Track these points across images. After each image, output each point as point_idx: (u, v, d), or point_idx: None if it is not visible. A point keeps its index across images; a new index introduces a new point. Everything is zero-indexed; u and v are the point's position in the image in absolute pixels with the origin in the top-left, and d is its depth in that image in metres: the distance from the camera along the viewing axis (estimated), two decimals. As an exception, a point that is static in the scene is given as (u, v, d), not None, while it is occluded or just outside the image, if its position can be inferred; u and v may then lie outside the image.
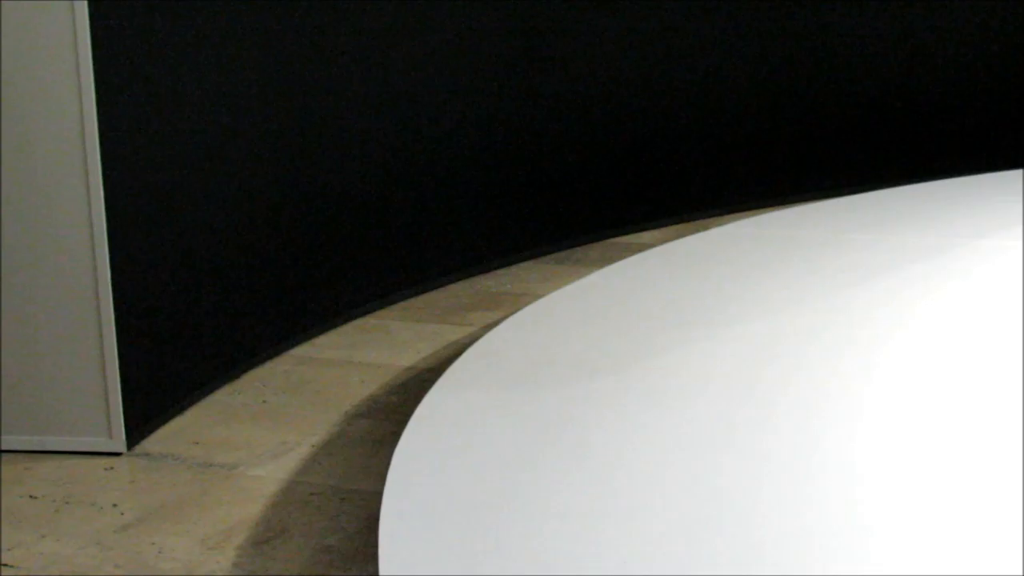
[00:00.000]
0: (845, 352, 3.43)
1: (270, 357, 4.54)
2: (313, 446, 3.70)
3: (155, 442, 3.77)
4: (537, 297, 4.46)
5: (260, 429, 3.86)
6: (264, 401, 4.12)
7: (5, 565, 3.00)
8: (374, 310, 5.15)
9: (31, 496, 3.39)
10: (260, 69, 4.51)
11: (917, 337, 3.55)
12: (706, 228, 5.60)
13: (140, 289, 3.79)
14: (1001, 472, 2.56)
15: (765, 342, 3.52)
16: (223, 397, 4.17)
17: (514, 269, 5.79)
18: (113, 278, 3.62)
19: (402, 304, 5.26)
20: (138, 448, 3.71)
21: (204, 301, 4.18)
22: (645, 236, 6.34)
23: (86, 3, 3.51)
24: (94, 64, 3.54)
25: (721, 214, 6.66)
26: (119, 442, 3.68)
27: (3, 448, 3.70)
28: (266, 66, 4.54)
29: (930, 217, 5.19)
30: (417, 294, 5.38)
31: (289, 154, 4.69)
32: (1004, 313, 3.68)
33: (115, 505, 3.32)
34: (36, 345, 3.67)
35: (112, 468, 3.58)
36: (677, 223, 6.56)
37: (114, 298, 3.63)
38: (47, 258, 3.62)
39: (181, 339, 4.04)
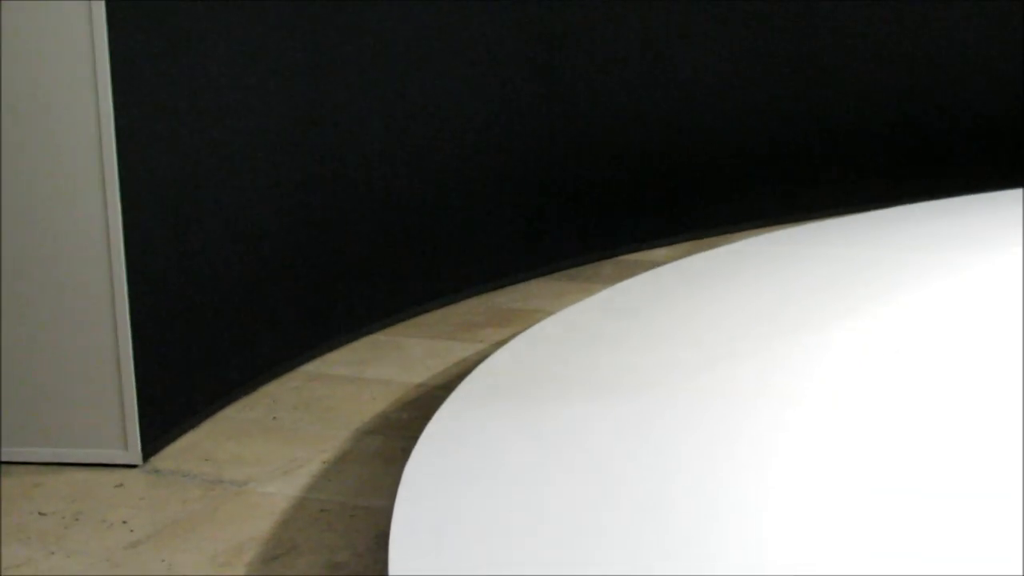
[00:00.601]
0: (858, 367, 3.42)
1: (281, 373, 4.54)
2: (324, 463, 3.69)
3: (165, 458, 3.76)
4: (549, 314, 4.45)
5: (271, 445, 3.86)
6: (275, 417, 4.12)
7: (14, 581, 3.00)
8: (385, 326, 5.14)
9: (40, 512, 3.39)
10: (276, 84, 4.51)
11: (930, 351, 3.54)
12: (718, 245, 5.59)
13: (154, 305, 3.79)
14: (1003, 475, 2.57)
15: (777, 358, 3.51)
16: (234, 413, 4.17)
17: (526, 286, 5.79)
18: (130, 293, 3.64)
19: (413, 320, 5.26)
20: (148, 464, 3.71)
21: (215, 317, 4.18)
22: (657, 253, 6.33)
23: (103, 3, 3.54)
24: (112, 73, 3.57)
25: (733, 231, 6.65)
26: (135, 454, 3.69)
27: (20, 460, 3.71)
28: (282, 81, 4.55)
29: (943, 234, 5.17)
30: (429, 310, 5.37)
31: (303, 172, 4.70)
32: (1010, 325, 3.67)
33: (125, 522, 3.32)
34: (52, 359, 3.68)
35: (122, 485, 3.57)
36: (689, 240, 6.55)
37: (130, 314, 3.64)
38: (64, 268, 3.65)
39: (192, 355, 4.03)
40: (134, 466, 3.69)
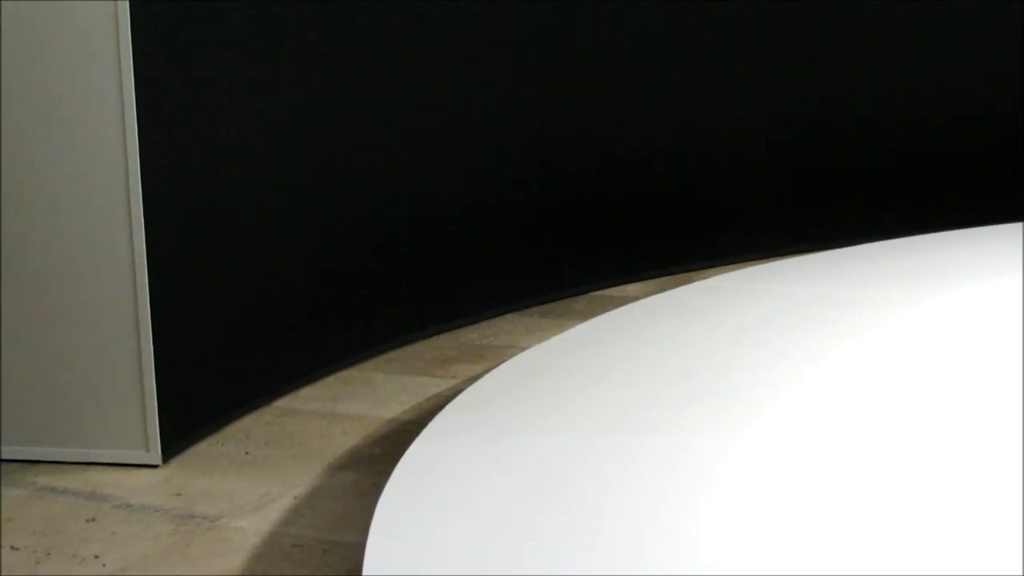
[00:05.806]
0: (829, 405, 3.44)
1: (253, 409, 4.53)
2: (296, 498, 3.69)
3: (137, 493, 3.76)
4: (521, 349, 4.47)
5: (243, 480, 3.85)
6: (247, 452, 4.12)
7: (-15, 617, 2.99)
8: (358, 362, 5.14)
9: (12, 547, 3.38)
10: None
11: (903, 393, 3.57)
12: (690, 281, 5.63)
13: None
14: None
15: (748, 394, 3.52)
16: (205, 448, 4.16)
17: (498, 321, 5.80)
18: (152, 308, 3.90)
19: (386, 356, 5.26)
20: (119, 499, 3.70)
21: (185, 353, 4.18)
22: (629, 289, 6.36)
23: (127, 5, 3.71)
24: (136, 87, 3.74)
25: (705, 268, 6.68)
26: (155, 455, 3.92)
27: (47, 459, 3.94)
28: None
29: (911, 271, 5.20)
30: (401, 346, 5.38)
31: (283, 209, 4.71)
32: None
33: (97, 556, 3.31)
34: (77, 364, 3.92)
35: (94, 519, 3.56)
36: (661, 276, 6.58)
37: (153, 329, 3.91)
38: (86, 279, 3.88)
39: (163, 391, 4.03)
40: (155, 466, 3.91)
